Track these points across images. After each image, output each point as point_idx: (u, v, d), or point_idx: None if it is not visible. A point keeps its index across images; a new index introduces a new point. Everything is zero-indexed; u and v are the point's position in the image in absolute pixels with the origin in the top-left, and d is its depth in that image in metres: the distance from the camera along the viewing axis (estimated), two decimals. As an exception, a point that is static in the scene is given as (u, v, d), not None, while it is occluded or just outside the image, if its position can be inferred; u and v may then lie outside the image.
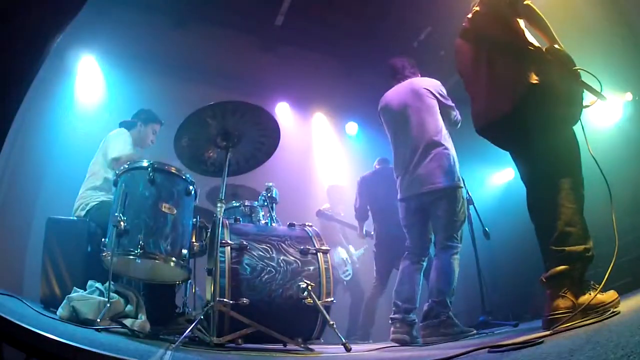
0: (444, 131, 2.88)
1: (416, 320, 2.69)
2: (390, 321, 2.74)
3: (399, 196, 2.95)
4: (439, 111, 2.93)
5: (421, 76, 3.17)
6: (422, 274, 2.85)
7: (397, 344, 2.62)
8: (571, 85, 1.87)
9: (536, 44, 1.95)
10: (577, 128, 1.91)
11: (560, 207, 1.75)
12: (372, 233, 4.11)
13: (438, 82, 3.04)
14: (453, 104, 3.02)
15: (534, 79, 1.85)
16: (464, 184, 3.36)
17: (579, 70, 1.85)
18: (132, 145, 3.07)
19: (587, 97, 1.90)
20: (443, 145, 2.81)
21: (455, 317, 2.60)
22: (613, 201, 1.79)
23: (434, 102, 2.94)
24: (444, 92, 3.02)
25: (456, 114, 3.05)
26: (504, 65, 1.97)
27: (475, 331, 2.66)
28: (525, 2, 1.96)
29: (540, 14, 1.94)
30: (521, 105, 1.88)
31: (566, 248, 1.71)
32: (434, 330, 2.50)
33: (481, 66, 2.06)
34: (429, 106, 2.91)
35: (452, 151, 2.85)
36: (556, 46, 1.89)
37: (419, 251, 2.87)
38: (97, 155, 3.06)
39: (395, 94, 3.07)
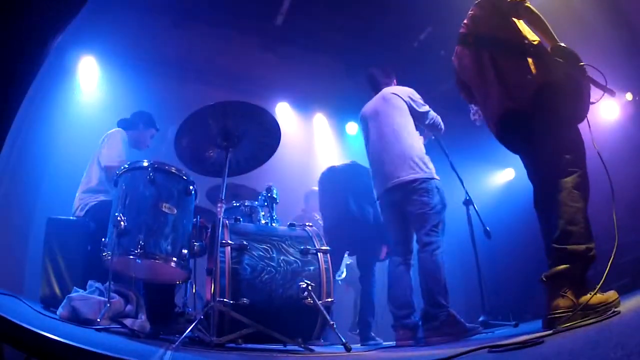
0: (412, 129, 2.91)
1: (419, 322, 2.66)
2: (392, 328, 2.74)
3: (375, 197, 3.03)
4: (408, 113, 2.95)
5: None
6: (410, 273, 2.82)
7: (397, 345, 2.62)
8: (578, 82, 1.86)
9: (538, 40, 1.94)
10: (581, 125, 1.91)
11: (563, 206, 1.74)
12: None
13: (410, 89, 3.08)
14: (427, 110, 3.00)
15: (540, 78, 1.84)
16: (463, 185, 3.35)
17: (585, 67, 1.85)
18: (127, 148, 3.06)
19: (595, 93, 1.90)
20: (408, 142, 2.84)
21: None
22: (614, 200, 1.79)
23: (401, 103, 2.97)
24: (416, 97, 3.03)
25: (431, 118, 3.00)
26: (508, 65, 1.96)
27: (481, 328, 2.64)
28: (524, 3, 1.95)
29: (540, 14, 1.94)
30: (529, 105, 1.87)
31: (568, 247, 1.70)
32: (436, 331, 2.49)
33: (485, 69, 2.04)
34: (395, 107, 2.96)
35: (418, 147, 2.86)
36: (561, 44, 1.88)
37: (402, 249, 2.85)
38: (94, 157, 3.03)
39: (370, 104, 3.18)
